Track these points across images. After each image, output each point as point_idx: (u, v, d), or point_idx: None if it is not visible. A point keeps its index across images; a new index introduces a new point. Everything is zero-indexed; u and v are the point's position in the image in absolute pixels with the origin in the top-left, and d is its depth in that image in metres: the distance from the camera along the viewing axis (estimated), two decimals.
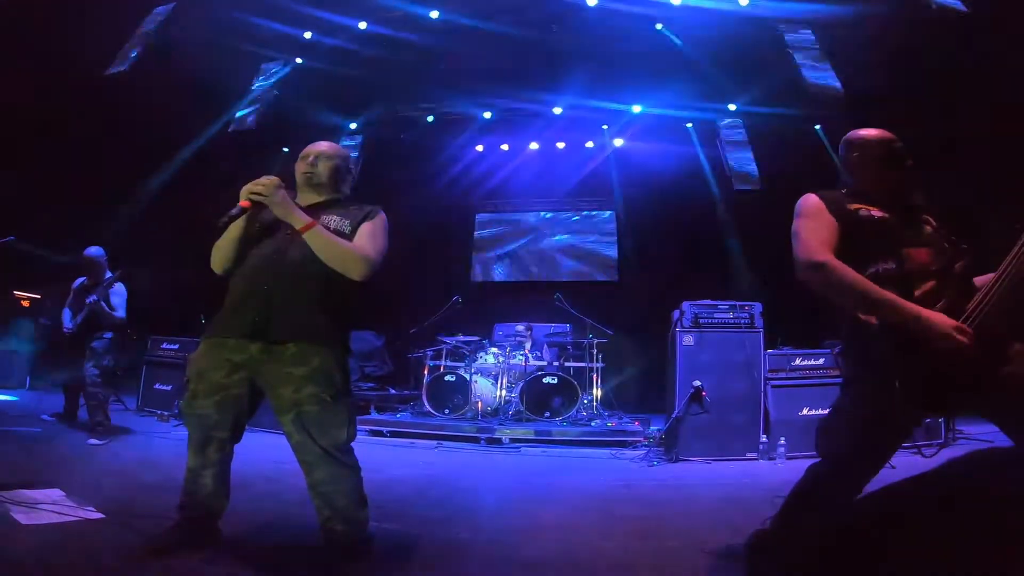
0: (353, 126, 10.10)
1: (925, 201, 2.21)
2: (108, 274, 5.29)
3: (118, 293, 5.28)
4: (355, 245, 2.28)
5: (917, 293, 1.93)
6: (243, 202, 2.25)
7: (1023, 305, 1.83)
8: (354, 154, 9.64)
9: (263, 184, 2.24)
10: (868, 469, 2.03)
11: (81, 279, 5.43)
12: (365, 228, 2.36)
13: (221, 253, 2.35)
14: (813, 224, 2.09)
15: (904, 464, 4.42)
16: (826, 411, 4.88)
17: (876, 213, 2.07)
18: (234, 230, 2.32)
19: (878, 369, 1.93)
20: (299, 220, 2.23)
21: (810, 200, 2.16)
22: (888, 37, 6.97)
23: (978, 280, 1.98)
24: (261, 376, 2.23)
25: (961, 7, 6.45)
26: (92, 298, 5.07)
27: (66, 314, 5.34)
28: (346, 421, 2.24)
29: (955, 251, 2.04)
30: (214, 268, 2.39)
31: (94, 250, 5.36)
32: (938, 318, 1.83)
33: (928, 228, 2.12)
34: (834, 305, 2.09)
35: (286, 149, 8.59)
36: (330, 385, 2.20)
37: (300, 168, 2.48)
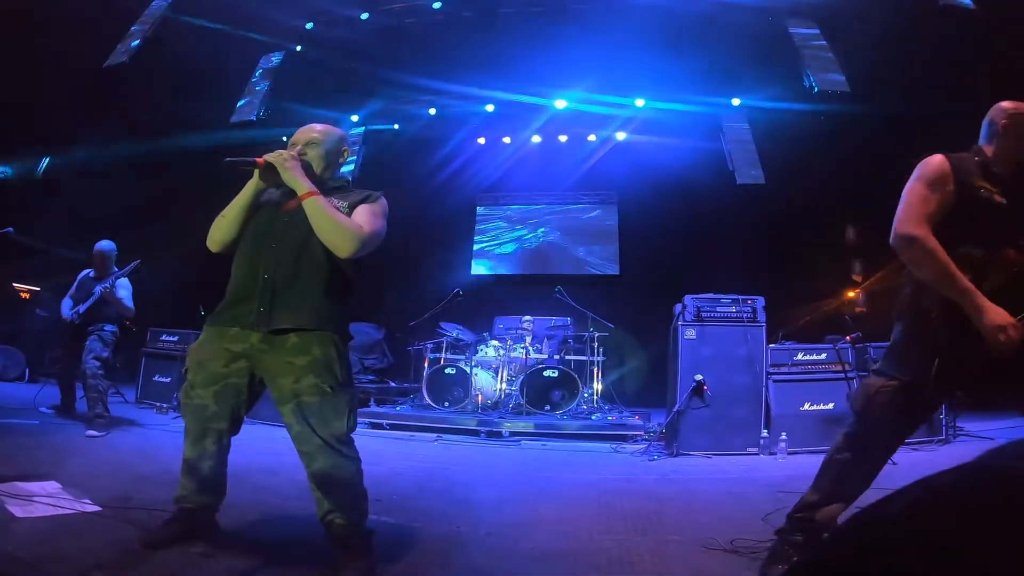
0: (355, 118, 10.05)
1: None
2: (115, 269, 5.26)
3: (124, 287, 5.26)
4: (350, 221, 2.24)
5: (989, 285, 1.97)
6: (259, 159, 2.26)
7: None
8: (355, 147, 9.61)
9: (286, 152, 2.28)
10: (903, 432, 2.16)
11: (86, 271, 5.41)
12: (363, 208, 2.32)
13: (222, 227, 2.32)
14: (927, 193, 2.08)
15: (905, 462, 4.42)
16: (828, 406, 4.87)
17: (997, 198, 2.07)
18: (238, 204, 2.31)
19: (925, 341, 2.01)
20: (303, 186, 2.22)
21: (936, 164, 2.12)
22: (895, 31, 6.92)
23: None
24: (261, 366, 2.21)
25: (968, 3, 6.39)
26: (102, 286, 5.04)
27: (66, 303, 5.32)
28: (346, 412, 2.21)
29: None
30: (210, 245, 2.36)
31: (105, 244, 5.34)
32: (997, 311, 1.89)
33: None
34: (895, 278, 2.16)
35: (286, 139, 8.55)
36: (331, 375, 2.18)
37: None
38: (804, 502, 2.27)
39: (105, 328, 5.17)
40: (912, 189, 2.10)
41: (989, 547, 0.39)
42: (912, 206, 2.06)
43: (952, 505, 0.43)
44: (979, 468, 0.46)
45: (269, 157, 2.26)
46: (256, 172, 2.29)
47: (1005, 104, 2.21)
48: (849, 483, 2.20)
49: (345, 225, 2.20)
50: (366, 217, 2.28)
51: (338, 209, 2.26)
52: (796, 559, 2.21)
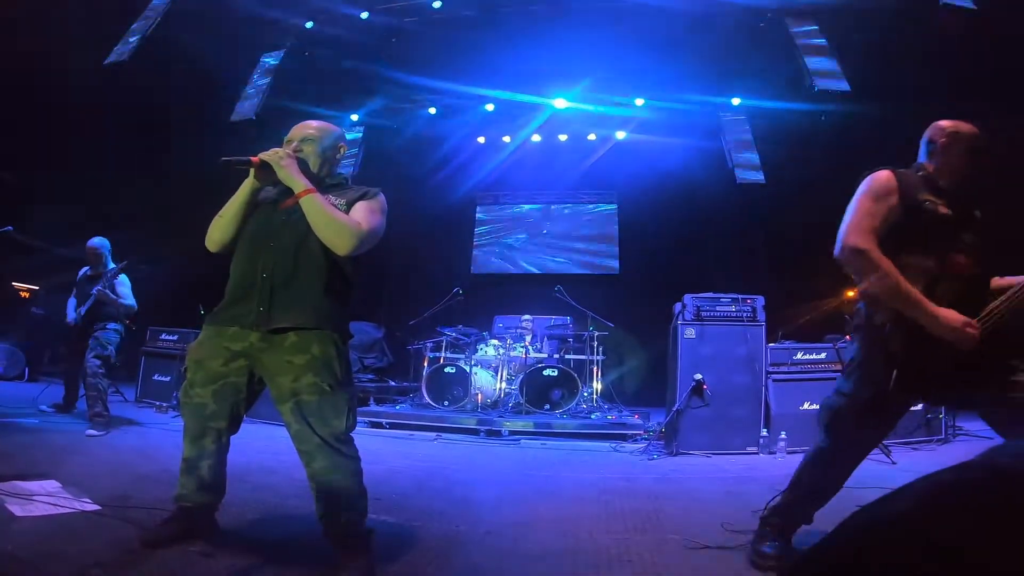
0: (355, 117, 10.05)
1: (982, 209, 2.27)
2: (111, 265, 5.27)
3: (123, 283, 5.28)
4: (348, 217, 2.22)
5: (941, 292, 2.02)
6: (254, 158, 2.25)
7: None
8: (355, 146, 9.60)
9: (275, 150, 2.27)
10: (869, 443, 2.22)
11: (85, 269, 5.42)
12: (360, 205, 2.30)
13: (220, 227, 2.31)
14: (873, 207, 2.13)
15: (905, 461, 4.42)
16: None
17: (942, 210, 2.12)
18: (235, 204, 2.30)
19: (882, 354, 2.05)
20: (300, 184, 2.20)
21: (883, 179, 2.18)
22: (895, 31, 6.91)
23: (1001, 281, 2.10)
24: (260, 365, 2.20)
25: (970, 4, 6.38)
26: (97, 288, 5.05)
27: (70, 304, 5.34)
28: (345, 410, 2.20)
29: (989, 264, 2.15)
30: (209, 245, 2.34)
31: (97, 240, 5.34)
32: (950, 313, 1.95)
33: (975, 230, 2.19)
34: (850, 290, 2.20)
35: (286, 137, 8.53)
36: (330, 374, 2.17)
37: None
38: (777, 505, 2.39)
39: (108, 327, 5.18)
40: (858, 202, 2.16)
41: (988, 546, 0.39)
42: (858, 219, 2.11)
43: (952, 504, 0.43)
44: (978, 467, 0.46)
45: (264, 155, 2.24)
46: (252, 171, 2.28)
47: (943, 123, 2.31)
48: (820, 489, 2.31)
49: (343, 222, 2.18)
50: (364, 214, 2.26)
51: (336, 206, 2.25)
52: (793, 556, 2.26)
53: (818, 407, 2.35)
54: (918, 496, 0.45)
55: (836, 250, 2.13)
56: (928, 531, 0.43)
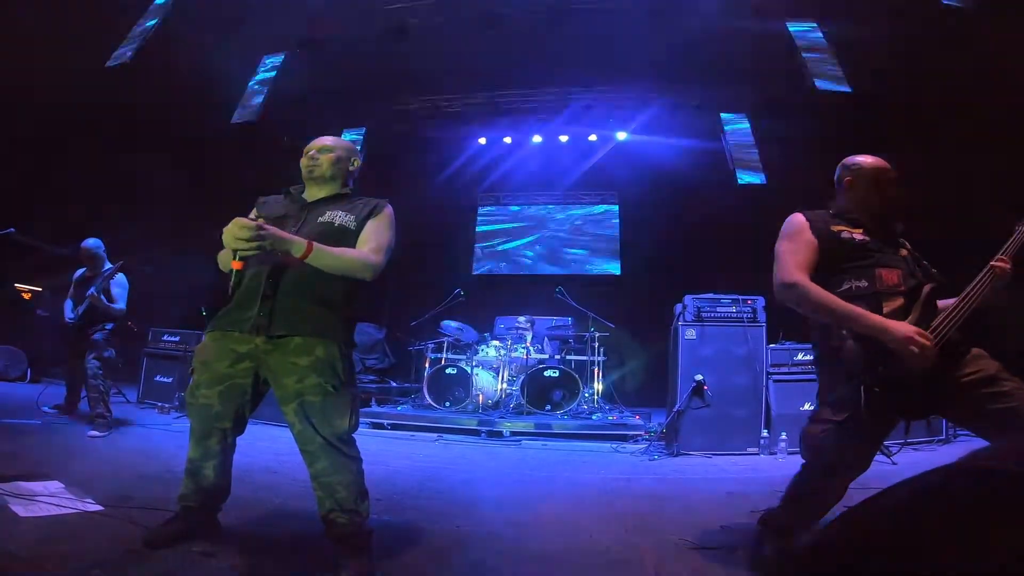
0: (355, 119, 10.06)
1: (904, 228, 2.38)
2: (108, 265, 5.28)
3: (119, 284, 5.28)
4: (358, 253, 2.29)
5: (886, 310, 2.09)
6: (234, 263, 2.12)
7: (981, 328, 2.06)
8: (357, 147, 9.61)
9: (244, 231, 2.01)
10: (852, 468, 2.20)
11: (81, 270, 5.43)
12: (370, 226, 2.37)
13: (226, 262, 2.32)
14: (792, 246, 2.27)
15: (905, 462, 4.42)
16: None
17: (857, 236, 2.25)
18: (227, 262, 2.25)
19: (845, 376, 2.10)
20: (299, 247, 2.14)
21: (794, 221, 2.34)
22: (896, 31, 6.91)
23: (941, 303, 2.14)
24: (265, 366, 2.24)
25: (970, 7, 6.38)
26: (91, 291, 5.07)
27: (67, 305, 5.34)
28: (348, 411, 2.25)
29: (925, 275, 2.22)
30: (222, 267, 2.37)
31: (92, 242, 5.35)
32: (900, 325, 2.00)
33: (903, 252, 2.30)
34: (807, 321, 2.32)
35: (285, 138, 8.56)
36: (333, 375, 2.21)
37: (303, 163, 2.51)
38: (775, 508, 2.39)
39: (106, 327, 5.19)
40: (780, 247, 2.30)
41: (967, 541, 0.40)
42: (784, 259, 2.25)
43: (934, 503, 0.44)
44: (960, 469, 0.48)
45: (241, 252, 2.06)
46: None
47: (847, 160, 2.46)
48: (815, 504, 2.30)
49: (354, 260, 2.27)
50: (374, 237, 2.34)
51: (345, 226, 2.33)
52: (789, 551, 2.28)
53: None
54: (902, 496, 0.46)
55: (774, 294, 2.25)
56: (911, 529, 0.44)
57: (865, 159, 2.42)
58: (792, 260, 2.23)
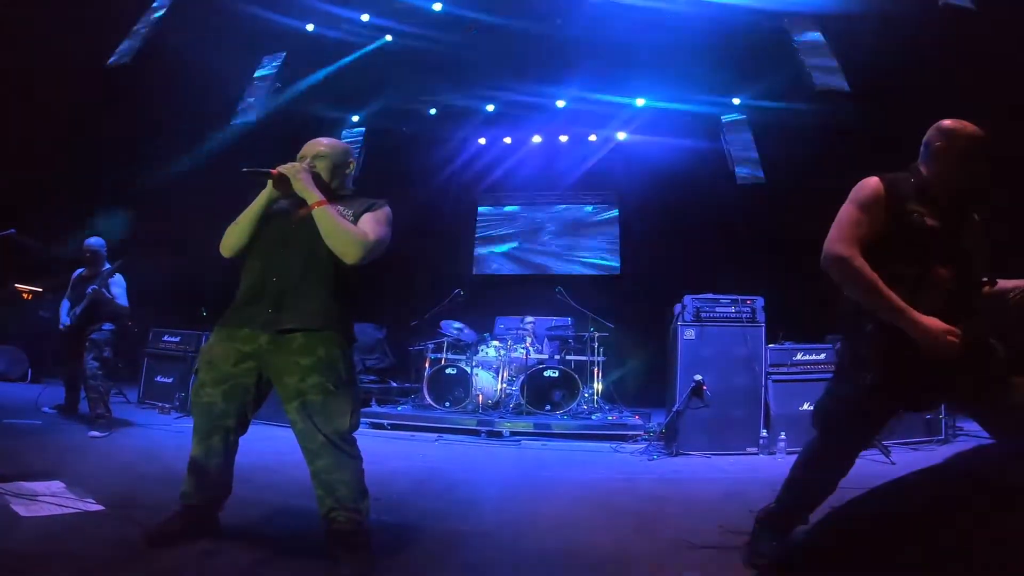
0: (355, 118, 10.07)
1: (984, 213, 2.25)
2: (107, 265, 5.29)
3: (118, 283, 5.28)
4: (355, 228, 2.35)
5: (924, 302, 2.02)
6: (273, 170, 2.37)
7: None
8: (356, 147, 9.61)
9: (292, 164, 2.41)
10: (857, 445, 2.26)
11: (80, 270, 5.43)
12: (366, 217, 2.42)
13: (235, 233, 2.43)
14: (858, 216, 2.12)
15: (905, 461, 4.43)
16: None
17: (929, 222, 2.09)
18: (251, 212, 2.42)
19: (866, 363, 2.09)
20: (313, 196, 2.33)
21: (869, 187, 2.15)
22: (896, 31, 6.91)
23: (1003, 284, 2.11)
24: (268, 365, 2.30)
25: (969, 5, 6.38)
26: (93, 287, 5.07)
27: (64, 305, 5.34)
28: (349, 410, 2.29)
29: (980, 273, 2.13)
30: (223, 251, 2.45)
31: (94, 240, 5.35)
32: (932, 322, 1.95)
33: (970, 241, 2.15)
34: (840, 296, 2.21)
35: (286, 138, 8.56)
36: (334, 374, 2.27)
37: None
38: (773, 505, 2.43)
39: (103, 328, 5.18)
40: (845, 211, 2.15)
41: (949, 536, 0.41)
42: (843, 227, 2.12)
43: (920, 500, 0.45)
44: (943, 470, 0.49)
45: (283, 168, 2.37)
46: (270, 182, 2.39)
47: (943, 123, 2.22)
48: (814, 490, 2.34)
49: (352, 232, 2.31)
50: (371, 225, 2.38)
51: (344, 217, 2.37)
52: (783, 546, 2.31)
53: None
54: (890, 494, 0.47)
55: (821, 259, 2.14)
56: (898, 525, 0.45)
57: (963, 125, 2.18)
58: (853, 232, 2.10)
